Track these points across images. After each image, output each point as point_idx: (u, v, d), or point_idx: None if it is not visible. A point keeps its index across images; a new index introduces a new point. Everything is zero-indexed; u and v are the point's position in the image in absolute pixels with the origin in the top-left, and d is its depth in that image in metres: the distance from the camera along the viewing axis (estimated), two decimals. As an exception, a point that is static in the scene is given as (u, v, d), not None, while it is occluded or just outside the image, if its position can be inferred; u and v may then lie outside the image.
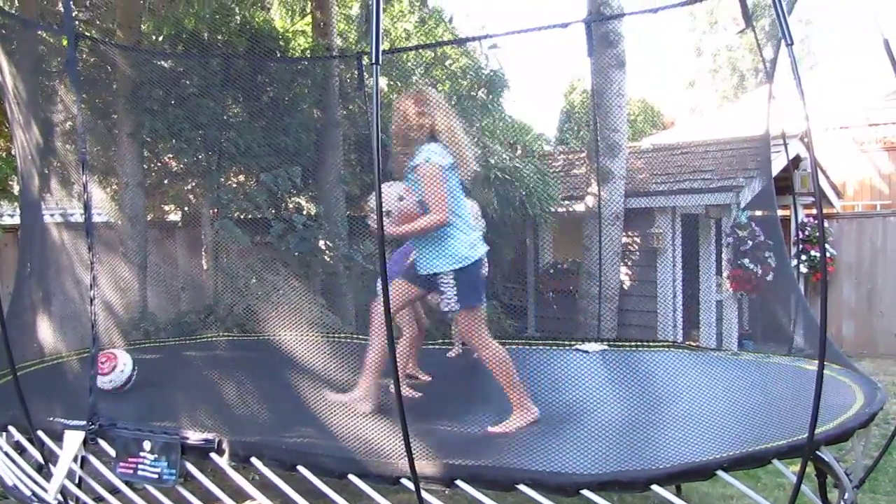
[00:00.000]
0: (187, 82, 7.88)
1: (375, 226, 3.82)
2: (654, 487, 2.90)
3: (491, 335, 4.13)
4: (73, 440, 3.67)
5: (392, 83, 10.08)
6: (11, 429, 3.96)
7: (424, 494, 3.01)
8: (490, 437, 3.78)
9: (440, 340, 6.33)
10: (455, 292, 4.01)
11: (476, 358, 5.73)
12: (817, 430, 2.91)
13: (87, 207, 3.95)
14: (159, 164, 8.97)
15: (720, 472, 2.93)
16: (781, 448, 3.01)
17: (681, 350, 5.90)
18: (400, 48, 10.52)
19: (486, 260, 4.48)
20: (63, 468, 3.64)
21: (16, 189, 7.91)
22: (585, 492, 2.90)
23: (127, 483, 3.63)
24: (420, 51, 10.33)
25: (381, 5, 2.87)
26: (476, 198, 8.76)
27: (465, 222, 4.10)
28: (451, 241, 4.03)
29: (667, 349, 5.86)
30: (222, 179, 8.15)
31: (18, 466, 3.92)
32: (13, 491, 3.88)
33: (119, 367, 4.80)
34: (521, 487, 2.95)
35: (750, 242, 9.08)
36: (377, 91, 2.82)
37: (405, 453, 2.90)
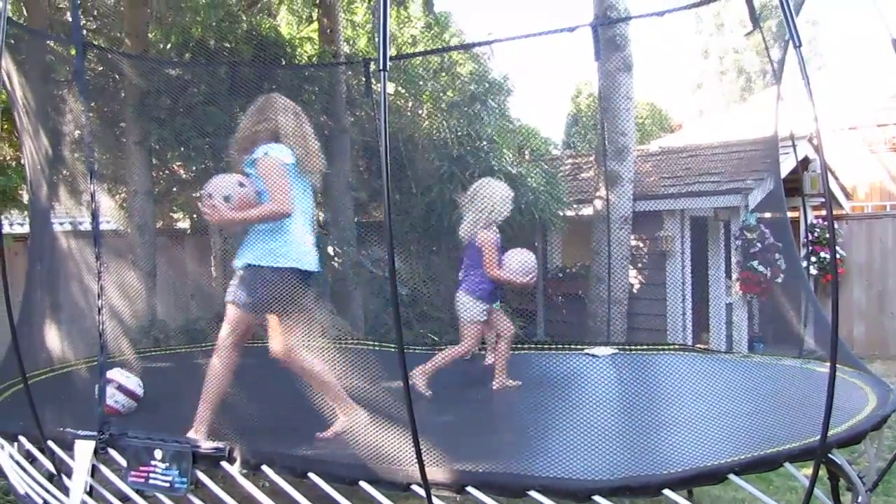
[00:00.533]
0: (195, 90, 7.90)
1: (209, 211, 3.92)
2: (666, 492, 2.88)
3: (236, 348, 4.11)
4: (85, 450, 3.67)
5: (400, 89, 10.10)
6: (22, 438, 3.97)
7: (435, 501, 3.00)
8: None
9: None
10: (245, 286, 3.96)
11: (488, 364, 5.77)
12: (829, 433, 2.89)
13: (95, 216, 3.95)
14: (168, 171, 9.01)
15: (732, 476, 2.92)
16: (793, 451, 2.99)
17: (691, 353, 5.89)
18: (407, 54, 10.53)
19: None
20: (80, 481, 3.64)
21: (25, 198, 7.95)
22: (597, 497, 2.88)
23: (138, 492, 3.63)
24: (427, 56, 10.32)
25: (388, 12, 2.87)
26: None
27: (301, 226, 4.02)
28: (279, 238, 3.94)
29: (677, 352, 5.85)
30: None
31: (30, 475, 3.93)
32: (25, 500, 3.89)
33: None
34: (532, 493, 2.94)
35: (759, 245, 9.05)
36: (385, 97, 2.81)
37: (416, 459, 2.89)
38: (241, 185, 4.03)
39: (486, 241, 4.97)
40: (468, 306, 5.04)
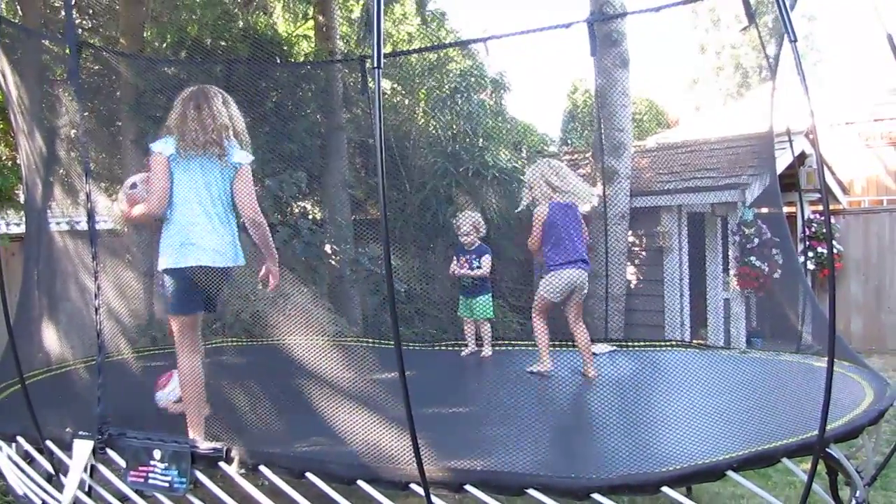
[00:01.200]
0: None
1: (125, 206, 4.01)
2: (665, 489, 2.88)
3: (195, 349, 3.97)
4: (83, 450, 3.67)
5: (395, 86, 10.08)
6: (20, 439, 3.97)
7: (434, 499, 3.00)
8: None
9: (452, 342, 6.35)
10: (168, 293, 3.90)
11: (484, 356, 5.81)
12: (827, 428, 2.89)
13: (90, 215, 3.94)
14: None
15: (730, 473, 2.92)
16: (791, 447, 3.00)
17: (689, 349, 5.89)
18: (402, 51, 10.51)
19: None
20: (74, 480, 3.64)
21: (21, 198, 7.93)
22: (596, 495, 2.88)
23: (137, 492, 3.63)
24: (422, 53, 10.30)
25: (382, 9, 2.87)
26: (481, 199, 8.82)
27: (194, 217, 3.85)
28: (167, 239, 3.87)
29: (675, 349, 5.85)
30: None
31: (28, 476, 3.93)
32: (24, 500, 3.89)
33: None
34: (531, 492, 2.94)
35: (756, 240, 9.06)
36: (379, 94, 2.81)
37: (414, 458, 2.89)
38: (134, 185, 4.08)
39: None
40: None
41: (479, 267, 5.98)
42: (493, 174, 8.79)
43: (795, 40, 2.83)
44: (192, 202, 3.87)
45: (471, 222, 6.08)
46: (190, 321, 3.94)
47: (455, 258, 6.18)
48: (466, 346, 6.16)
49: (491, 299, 6.10)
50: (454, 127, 9.27)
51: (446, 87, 9.84)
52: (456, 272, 6.10)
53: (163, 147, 3.88)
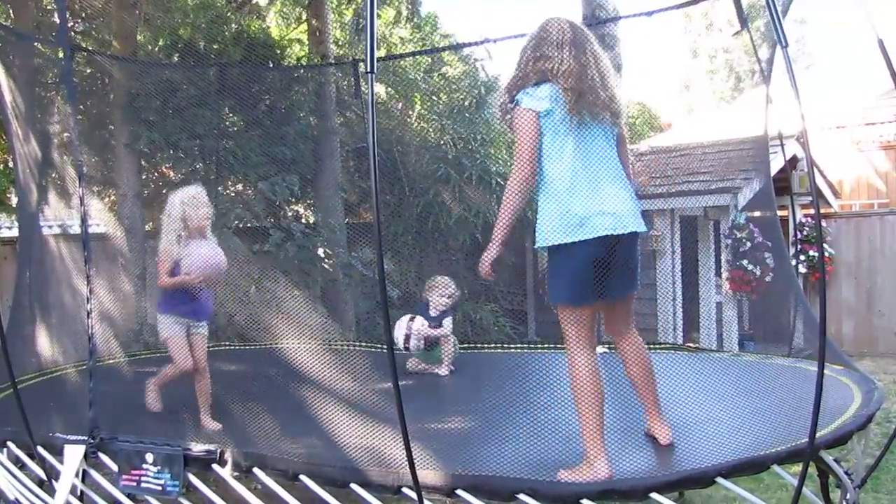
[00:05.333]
0: (184, 92, 7.88)
1: None
2: (654, 496, 2.90)
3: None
4: (74, 455, 3.67)
5: (390, 90, 10.09)
6: (11, 444, 3.96)
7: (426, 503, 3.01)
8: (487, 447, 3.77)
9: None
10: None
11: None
12: (816, 435, 2.90)
13: (83, 219, 3.95)
14: (157, 174, 8.98)
15: (720, 479, 2.94)
16: (780, 454, 3.01)
17: (681, 352, 5.90)
18: (395, 55, 10.52)
19: None
20: (66, 484, 3.64)
21: (14, 201, 7.92)
22: (585, 501, 2.89)
23: (129, 496, 3.63)
24: (416, 57, 10.31)
25: (375, 13, 2.88)
26: (477, 202, 8.81)
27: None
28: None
29: (667, 351, 5.87)
30: (220, 189, 8.15)
31: (20, 481, 3.92)
32: (15, 506, 3.88)
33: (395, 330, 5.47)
34: (522, 497, 2.95)
35: (749, 243, 9.07)
36: (373, 99, 2.81)
37: (407, 462, 2.90)
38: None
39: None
40: None
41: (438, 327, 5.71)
42: (478, 175, 8.80)
43: (787, 45, 2.85)
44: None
45: (450, 290, 5.83)
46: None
47: (417, 318, 5.80)
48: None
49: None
50: (450, 132, 9.27)
51: (442, 93, 9.87)
52: (415, 344, 5.68)
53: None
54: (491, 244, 3.34)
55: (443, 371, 5.72)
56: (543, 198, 3.26)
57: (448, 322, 5.75)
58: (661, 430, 3.53)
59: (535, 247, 3.34)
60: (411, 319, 5.69)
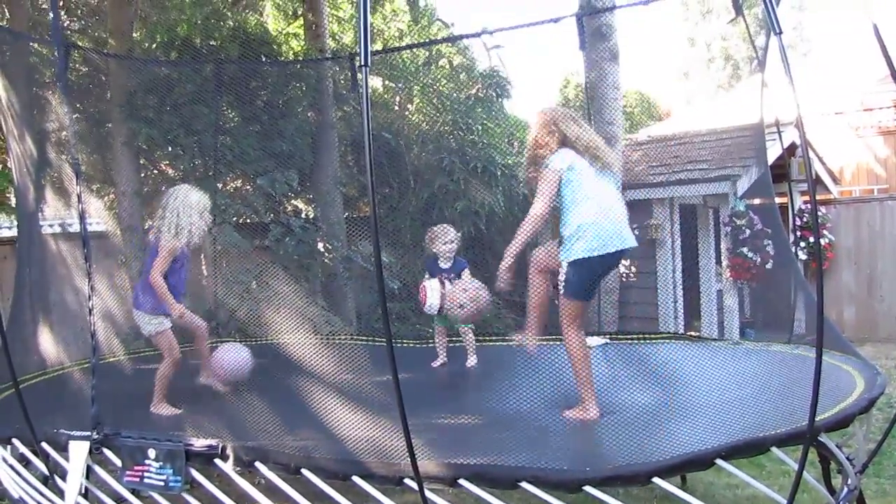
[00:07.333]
0: (182, 88, 7.87)
1: None
2: (656, 480, 2.90)
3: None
4: (79, 451, 3.68)
5: (387, 82, 10.08)
6: (16, 441, 3.97)
7: (429, 494, 3.02)
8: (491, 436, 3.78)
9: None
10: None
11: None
12: (818, 418, 2.91)
13: (82, 217, 3.95)
14: (156, 171, 8.98)
15: (719, 461, 2.94)
16: (780, 436, 3.01)
17: (682, 341, 5.90)
18: (391, 48, 10.51)
19: None
20: (75, 482, 3.65)
21: (13, 201, 7.92)
22: (588, 487, 2.90)
23: (133, 491, 3.64)
24: (414, 50, 10.29)
25: (369, 7, 2.87)
26: (482, 194, 8.82)
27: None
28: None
29: (668, 341, 5.87)
30: (219, 184, 8.15)
31: (24, 479, 3.93)
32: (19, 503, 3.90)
33: (429, 297, 5.48)
34: (524, 485, 2.96)
35: (748, 231, 9.07)
36: (367, 93, 2.81)
37: (408, 453, 2.91)
38: None
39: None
40: None
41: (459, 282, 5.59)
42: (502, 170, 8.80)
43: (780, 33, 2.85)
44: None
45: (451, 235, 5.71)
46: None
47: (427, 274, 5.78)
48: (437, 357, 5.83)
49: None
50: (447, 123, 9.27)
51: (440, 85, 9.87)
52: (430, 299, 5.55)
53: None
54: (505, 260, 4.37)
55: (470, 362, 5.71)
56: (571, 225, 4.21)
57: (466, 273, 5.67)
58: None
59: (564, 259, 4.23)
60: (441, 284, 5.57)
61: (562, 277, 4.26)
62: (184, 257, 4.80)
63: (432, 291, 5.53)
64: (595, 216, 4.14)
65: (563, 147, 4.31)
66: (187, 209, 4.72)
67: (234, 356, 5.16)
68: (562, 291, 4.30)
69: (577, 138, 4.31)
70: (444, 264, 5.70)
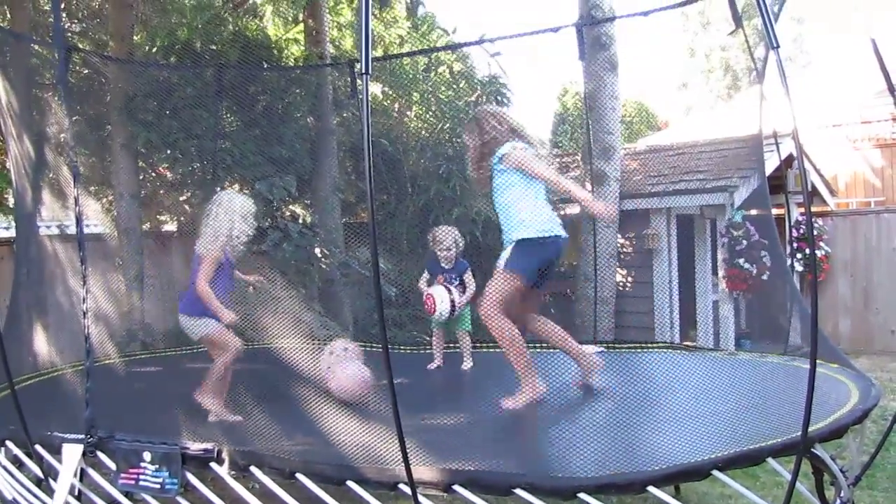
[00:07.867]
0: (181, 92, 7.88)
1: None
2: (651, 489, 2.91)
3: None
4: (73, 453, 3.67)
5: (386, 89, 10.09)
6: (9, 443, 3.96)
7: (422, 499, 3.02)
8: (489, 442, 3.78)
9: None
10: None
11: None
12: (811, 428, 2.92)
13: (78, 220, 3.95)
14: (154, 174, 8.98)
15: (715, 472, 2.95)
16: (776, 447, 3.02)
17: (677, 351, 5.92)
18: (391, 55, 10.52)
19: None
20: (65, 483, 3.64)
21: (11, 202, 7.91)
22: (582, 495, 2.91)
23: (127, 495, 3.63)
24: (414, 57, 10.31)
25: (370, 15, 2.88)
26: (480, 205, 8.82)
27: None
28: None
29: (663, 350, 5.88)
30: (218, 188, 8.14)
31: (18, 481, 3.92)
32: (13, 505, 3.89)
33: (438, 306, 5.49)
34: (519, 492, 2.96)
35: (745, 242, 9.10)
36: (367, 101, 2.82)
37: (402, 459, 2.91)
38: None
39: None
40: None
41: (460, 284, 5.69)
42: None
43: (777, 46, 2.87)
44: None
45: (452, 237, 5.75)
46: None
47: (426, 274, 5.85)
48: (434, 360, 5.86)
49: (470, 310, 5.70)
50: (446, 130, 9.29)
51: (440, 92, 9.88)
52: (439, 307, 5.57)
53: None
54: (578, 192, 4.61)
55: (465, 365, 5.72)
56: (520, 211, 4.49)
57: (469, 276, 5.73)
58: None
59: (514, 238, 4.44)
60: (447, 290, 5.59)
61: (504, 256, 4.46)
62: (228, 264, 4.76)
63: (441, 300, 5.55)
64: (536, 207, 4.52)
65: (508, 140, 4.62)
66: (229, 215, 4.70)
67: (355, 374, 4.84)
68: (500, 268, 4.45)
69: (514, 130, 4.69)
70: (445, 265, 5.74)
